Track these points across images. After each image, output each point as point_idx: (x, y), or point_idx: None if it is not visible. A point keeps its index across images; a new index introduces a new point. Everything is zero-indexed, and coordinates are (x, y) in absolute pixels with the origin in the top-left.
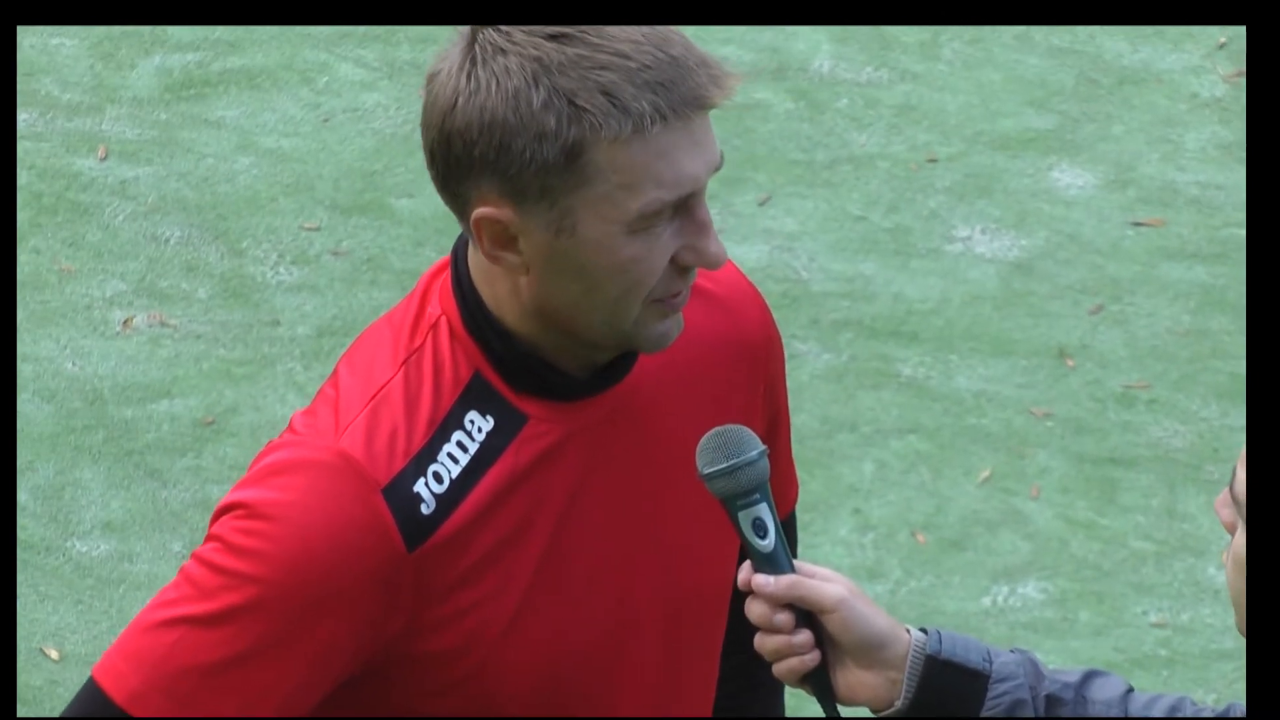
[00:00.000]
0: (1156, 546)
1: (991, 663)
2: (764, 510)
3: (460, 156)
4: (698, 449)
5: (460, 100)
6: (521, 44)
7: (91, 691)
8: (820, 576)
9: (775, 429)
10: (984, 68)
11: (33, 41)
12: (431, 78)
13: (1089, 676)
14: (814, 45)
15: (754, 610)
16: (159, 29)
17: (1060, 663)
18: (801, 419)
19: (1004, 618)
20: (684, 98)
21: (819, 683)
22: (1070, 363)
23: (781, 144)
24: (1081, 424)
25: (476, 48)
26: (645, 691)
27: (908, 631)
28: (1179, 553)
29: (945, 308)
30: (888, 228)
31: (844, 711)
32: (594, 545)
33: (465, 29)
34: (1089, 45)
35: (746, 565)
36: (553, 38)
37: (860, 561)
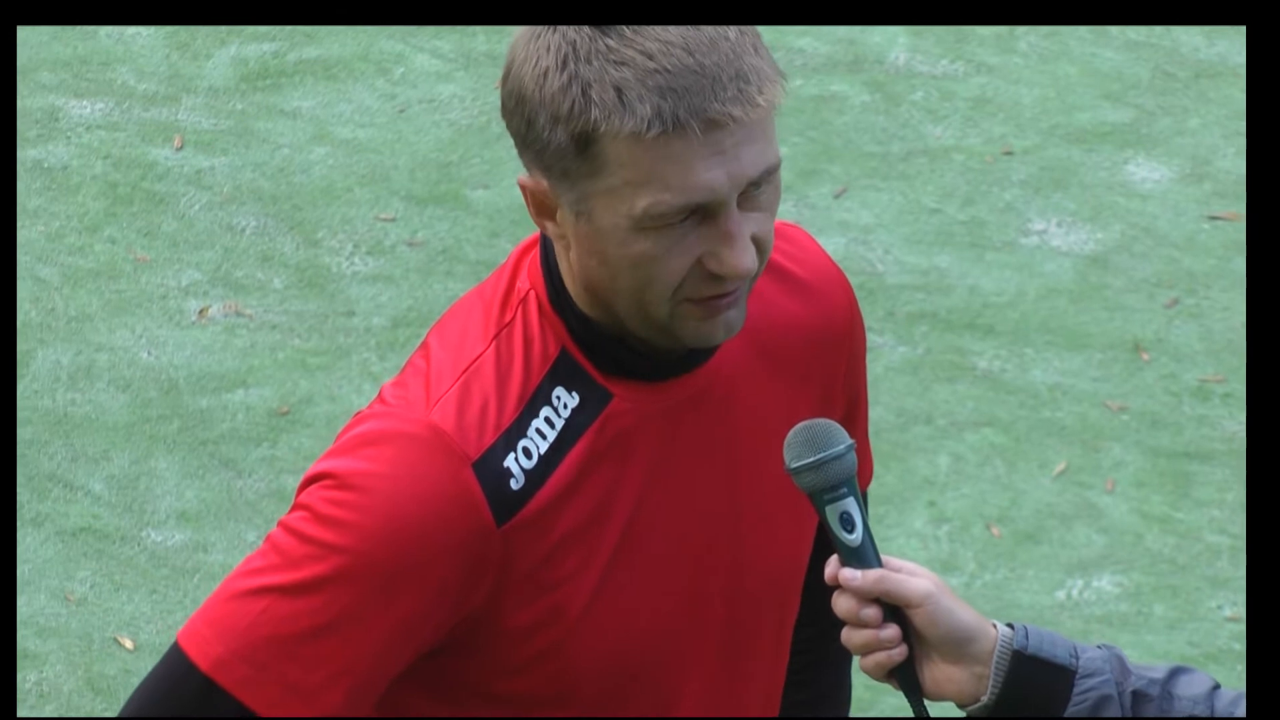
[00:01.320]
0: (1232, 541)
1: (1078, 658)
2: (851, 504)
3: (508, 123)
4: (785, 443)
5: (512, 70)
6: (568, 27)
7: (176, 657)
8: (907, 571)
9: (854, 410)
10: (1059, 61)
11: (109, 31)
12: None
13: (1175, 673)
14: (890, 38)
15: (841, 605)
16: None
17: (1134, 657)
18: (877, 411)
19: (1078, 611)
20: (692, 109)
21: (905, 677)
22: (1145, 356)
23: (857, 136)
24: (1157, 418)
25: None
26: (715, 669)
27: (994, 627)
28: None
29: (1021, 301)
30: (963, 220)
31: (930, 706)
32: (671, 528)
33: None
34: (1165, 39)
35: (834, 559)
36: (595, 25)
37: (935, 554)
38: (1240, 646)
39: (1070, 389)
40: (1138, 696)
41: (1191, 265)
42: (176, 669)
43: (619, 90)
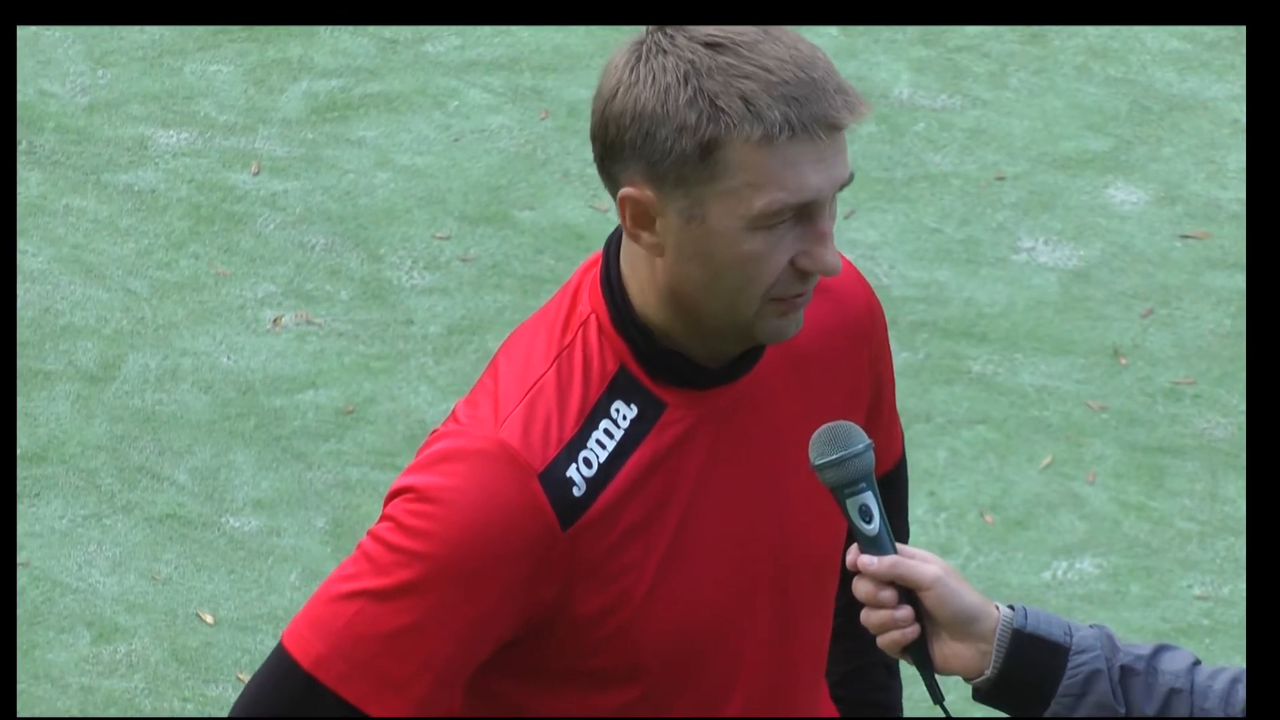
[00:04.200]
0: (1200, 527)
1: (1072, 636)
2: (869, 498)
3: (614, 140)
4: (810, 442)
5: (620, 90)
6: (681, 48)
7: (280, 656)
8: (919, 557)
9: (880, 391)
10: (1047, 95)
11: (192, 68)
12: (604, 69)
13: (1159, 650)
14: (894, 74)
15: (860, 588)
16: (307, 57)
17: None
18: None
19: (1062, 590)
20: (814, 115)
21: (918, 653)
22: (1123, 361)
23: (865, 163)
24: (1133, 416)
25: (643, 47)
26: (764, 645)
27: (996, 608)
28: (1220, 532)
29: (1011, 311)
30: (960, 239)
31: (939, 680)
32: (721, 518)
33: (642, 31)
34: (1141, 75)
35: (854, 547)
36: (709, 45)
37: (934, 539)
38: (1208, 622)
39: (1056, 390)
40: (1125, 671)
41: (1165, 279)
42: (281, 666)
43: (746, 100)
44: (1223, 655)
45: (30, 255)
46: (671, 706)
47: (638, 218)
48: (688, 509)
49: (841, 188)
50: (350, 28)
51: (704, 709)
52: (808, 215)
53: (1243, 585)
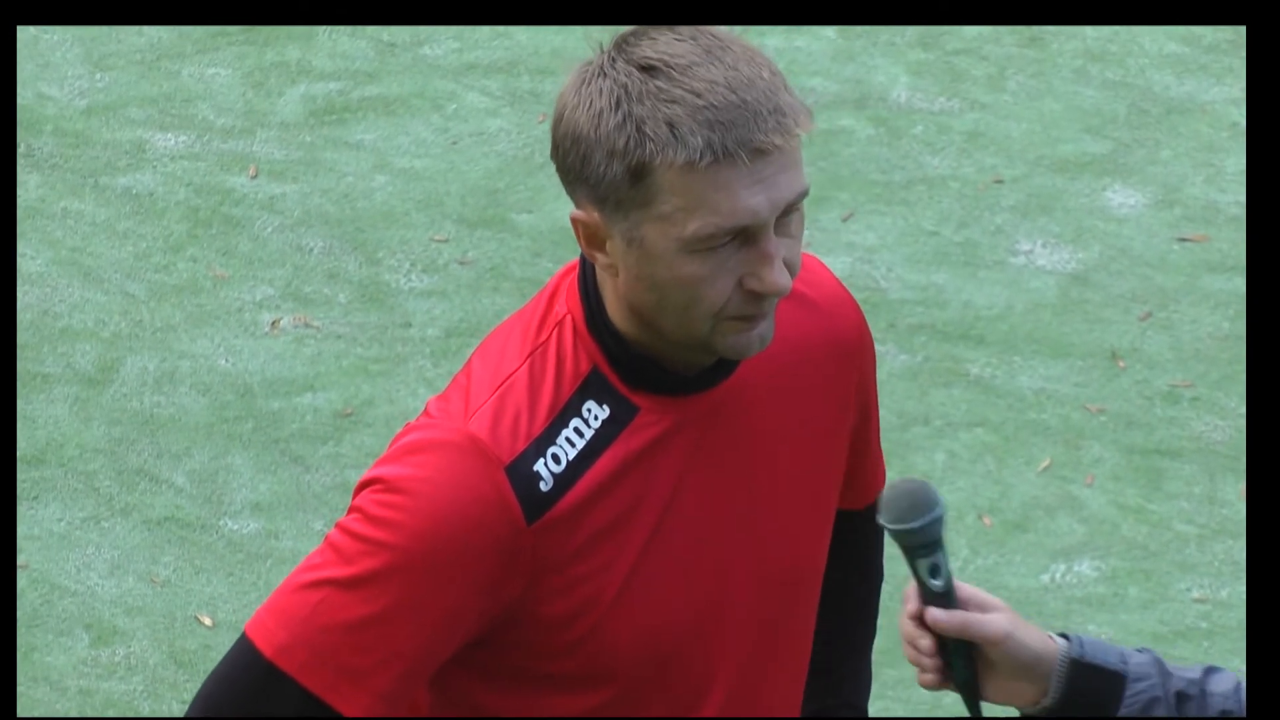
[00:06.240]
0: (1198, 529)
1: (1127, 664)
2: (940, 558)
3: (561, 163)
4: (883, 501)
5: (565, 114)
6: (619, 71)
7: (243, 645)
8: (984, 606)
9: (866, 420)
10: (1045, 98)
11: (190, 71)
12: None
13: (1207, 672)
14: (892, 77)
15: (904, 628)
16: (305, 60)
17: (1110, 633)
18: (881, 414)
19: (1060, 593)
20: (739, 139)
21: (968, 689)
22: (1121, 364)
23: (863, 166)
24: (1131, 419)
25: (588, 70)
26: (739, 655)
27: (1051, 639)
28: (1219, 535)
29: (1009, 314)
30: (958, 242)
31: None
32: (697, 525)
33: (596, 48)
34: (1140, 78)
35: (913, 595)
36: (644, 69)
37: None
38: (1206, 625)
39: (1054, 393)
40: (1180, 696)
41: (1163, 282)
42: (244, 656)
43: (671, 125)
44: (1220, 658)
45: (29, 258)
46: (641, 712)
47: (590, 240)
48: (662, 515)
49: (791, 206)
50: (348, 31)
51: (675, 716)
52: (750, 237)
53: (1240, 588)
